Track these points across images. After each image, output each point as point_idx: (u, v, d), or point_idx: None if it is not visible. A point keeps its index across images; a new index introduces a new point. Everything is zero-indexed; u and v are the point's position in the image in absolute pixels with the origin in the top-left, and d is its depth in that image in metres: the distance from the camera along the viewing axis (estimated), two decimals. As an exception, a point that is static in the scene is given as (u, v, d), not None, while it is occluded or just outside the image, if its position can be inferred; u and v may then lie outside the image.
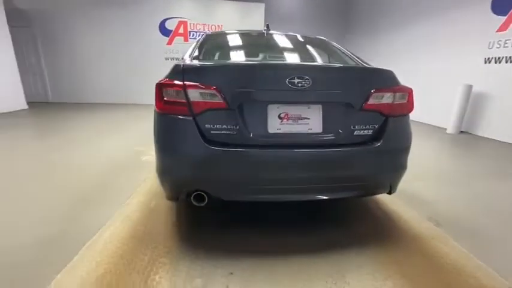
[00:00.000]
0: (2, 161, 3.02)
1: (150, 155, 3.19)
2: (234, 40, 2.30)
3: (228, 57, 2.18)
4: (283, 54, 2.25)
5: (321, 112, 1.47)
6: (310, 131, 1.47)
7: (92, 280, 1.29)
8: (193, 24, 7.92)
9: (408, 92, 1.59)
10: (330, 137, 1.49)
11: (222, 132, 1.40)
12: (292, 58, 2.24)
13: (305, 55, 2.27)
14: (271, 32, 2.36)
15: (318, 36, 2.48)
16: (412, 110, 1.63)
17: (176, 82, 1.38)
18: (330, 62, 2.15)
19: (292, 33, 2.47)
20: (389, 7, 7.34)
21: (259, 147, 1.42)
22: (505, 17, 4.51)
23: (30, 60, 7.54)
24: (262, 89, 1.41)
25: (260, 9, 8.14)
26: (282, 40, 2.38)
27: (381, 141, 1.50)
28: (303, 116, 1.47)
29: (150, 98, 1.81)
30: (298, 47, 2.31)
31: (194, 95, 1.37)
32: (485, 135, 4.87)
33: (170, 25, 7.84)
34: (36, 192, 2.26)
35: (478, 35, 4.93)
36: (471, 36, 5.06)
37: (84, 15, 7.49)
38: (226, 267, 1.41)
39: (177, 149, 1.41)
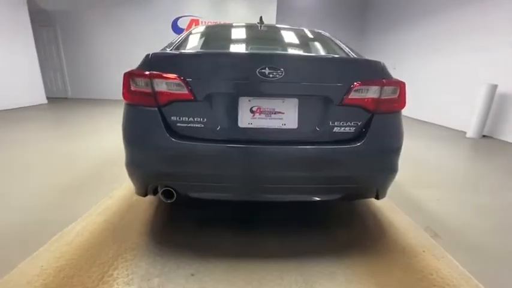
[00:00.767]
0: (7, 151, 3.16)
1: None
2: (223, 32, 2.23)
3: (211, 49, 2.11)
4: (272, 47, 2.14)
5: (297, 106, 1.35)
6: (284, 127, 1.36)
7: (49, 271, 1.27)
8: (206, 22, 7.96)
9: (399, 86, 1.43)
10: (305, 133, 1.36)
11: (189, 125, 1.33)
12: (280, 50, 2.12)
13: (296, 48, 2.14)
14: (264, 24, 2.26)
15: (314, 30, 2.35)
16: (404, 106, 1.46)
17: (142, 71, 1.33)
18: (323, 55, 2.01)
19: (287, 26, 2.35)
20: (408, 2, 6.93)
21: (228, 142, 1.33)
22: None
23: (52, 58, 7.96)
24: (231, 80, 1.32)
25: (272, 5, 8.01)
26: (274, 33, 2.27)
27: (364, 140, 1.35)
28: (276, 111, 1.36)
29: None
30: (290, 40, 2.18)
31: (160, 85, 1.31)
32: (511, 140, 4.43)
33: (182, 23, 7.93)
34: (30, 180, 2.32)
35: (504, 28, 4.48)
36: (497, 30, 4.62)
37: (101, 15, 7.79)
38: (189, 267, 1.34)
39: (141, 141, 1.36)
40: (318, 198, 1.47)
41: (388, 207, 2.02)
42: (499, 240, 1.70)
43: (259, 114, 1.35)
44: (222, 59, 1.37)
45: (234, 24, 2.33)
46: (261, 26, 2.21)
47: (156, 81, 1.31)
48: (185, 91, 1.29)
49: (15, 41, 6.19)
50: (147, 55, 1.37)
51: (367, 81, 1.36)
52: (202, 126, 1.33)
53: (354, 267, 1.38)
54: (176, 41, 1.89)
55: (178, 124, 1.33)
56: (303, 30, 2.27)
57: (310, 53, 2.00)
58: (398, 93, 1.43)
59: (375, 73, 1.40)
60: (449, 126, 5.50)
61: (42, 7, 7.57)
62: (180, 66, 1.33)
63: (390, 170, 1.47)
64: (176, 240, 1.56)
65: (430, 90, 6.17)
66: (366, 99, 1.36)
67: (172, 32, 7.99)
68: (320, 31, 2.31)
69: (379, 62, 1.43)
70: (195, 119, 1.33)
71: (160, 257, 1.41)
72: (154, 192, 1.46)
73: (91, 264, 1.33)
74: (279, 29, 2.35)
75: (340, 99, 1.34)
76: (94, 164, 2.77)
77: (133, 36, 7.94)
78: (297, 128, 1.36)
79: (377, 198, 1.52)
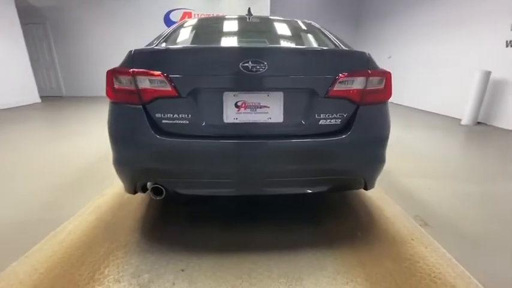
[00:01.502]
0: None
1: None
2: (210, 25, 2.19)
3: (198, 43, 2.08)
4: (260, 39, 2.11)
5: (282, 100, 1.34)
6: (269, 121, 1.35)
7: (41, 271, 1.28)
8: (198, 15, 7.83)
9: (385, 77, 1.42)
10: (291, 127, 1.36)
11: (174, 122, 1.32)
12: (268, 43, 2.09)
13: (284, 40, 2.11)
14: (253, 16, 2.22)
15: (304, 21, 2.31)
16: (390, 96, 1.46)
17: (125, 69, 1.31)
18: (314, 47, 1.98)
19: (276, 18, 2.32)
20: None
21: (214, 138, 1.33)
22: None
23: (44, 56, 7.84)
24: (215, 75, 1.30)
25: (265, 2, 7.86)
26: (262, 25, 2.24)
27: (350, 131, 1.35)
28: (262, 105, 1.35)
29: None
30: (279, 32, 2.15)
31: (143, 82, 1.29)
32: (505, 127, 4.44)
33: (175, 17, 7.80)
34: (21, 181, 2.32)
35: (498, 15, 4.43)
36: (490, 17, 4.57)
37: (92, 10, 7.64)
38: (179, 263, 1.36)
39: (127, 139, 1.35)
40: (306, 191, 1.48)
41: (379, 197, 2.04)
42: (487, 228, 1.73)
43: (245, 109, 1.34)
44: (204, 54, 1.35)
45: (222, 17, 2.29)
46: (249, 18, 2.18)
47: (139, 78, 1.29)
48: (169, 88, 1.28)
49: (3, 39, 6.08)
50: (130, 52, 1.35)
51: (352, 73, 1.34)
52: (188, 122, 1.32)
53: (343, 257, 1.40)
54: (164, 34, 1.86)
55: (164, 121, 1.32)
56: (292, 21, 2.23)
57: (299, 45, 1.98)
58: (384, 84, 1.42)
59: (360, 64, 1.38)
60: (445, 114, 5.50)
61: (31, 3, 7.41)
62: (163, 62, 1.31)
63: (377, 161, 1.47)
64: (167, 236, 1.58)
65: (425, 78, 6.14)
66: (351, 91, 1.36)
67: (165, 25, 7.86)
68: (310, 22, 2.28)
69: (364, 53, 1.41)
70: (180, 116, 1.32)
71: (151, 254, 1.42)
72: (144, 190, 1.46)
73: (82, 262, 1.34)
74: (268, 20, 2.31)
75: (325, 92, 1.33)
76: (86, 162, 2.76)
77: (126, 30, 7.81)
78: (283, 121, 1.35)
79: (365, 189, 1.53)
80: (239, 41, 1.95)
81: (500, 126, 4.54)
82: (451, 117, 5.33)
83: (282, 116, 1.35)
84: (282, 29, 2.15)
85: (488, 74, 4.42)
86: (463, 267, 1.33)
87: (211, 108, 1.34)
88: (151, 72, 1.28)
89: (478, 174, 2.62)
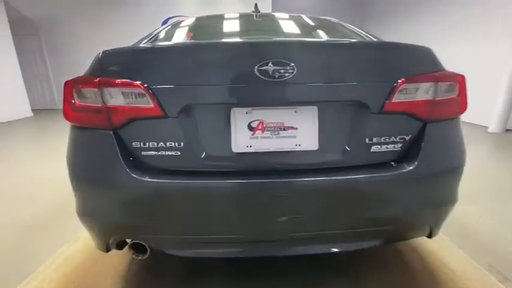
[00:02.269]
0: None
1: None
2: (211, 23, 1.79)
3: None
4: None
5: (316, 118, 0.93)
6: (298, 148, 0.93)
7: None
8: (198, 22, 7.55)
9: (458, 82, 1.00)
10: (330, 156, 0.94)
11: (159, 153, 0.91)
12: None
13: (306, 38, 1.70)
14: (261, 13, 1.83)
15: (321, 17, 1.92)
16: (465, 109, 1.04)
17: (90, 78, 0.91)
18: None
19: (288, 14, 1.92)
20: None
21: (218, 177, 0.90)
22: None
23: (37, 68, 7.53)
24: (218, 84, 0.89)
25: (267, 3, 7.58)
26: (273, 22, 1.84)
27: (417, 160, 0.93)
28: (287, 125, 0.93)
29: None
30: (295, 30, 1.75)
31: (114, 96, 0.89)
32: (540, 134, 4.00)
33: (173, 24, 7.52)
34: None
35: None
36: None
37: (88, 19, 7.35)
38: None
39: (92, 180, 0.93)
40: (350, 249, 1.04)
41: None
42: None
43: (262, 131, 0.93)
44: (204, 54, 0.93)
45: (224, 15, 1.90)
46: (256, 15, 1.78)
47: (109, 91, 0.88)
48: (150, 104, 0.87)
49: None
50: (97, 54, 0.95)
51: (415, 77, 0.93)
52: (179, 154, 0.90)
53: None
54: (154, 33, 1.47)
55: (143, 152, 0.91)
56: (308, 17, 1.83)
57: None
58: (458, 91, 1.00)
59: (425, 64, 0.97)
60: (468, 121, 5.06)
61: (23, 14, 7.14)
62: (142, 67, 0.90)
63: (451, 200, 1.04)
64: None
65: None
66: (416, 103, 0.94)
67: (163, 34, 7.58)
68: (328, 18, 1.89)
69: (428, 49, 1.00)
70: (168, 144, 0.90)
71: None
72: (119, 247, 1.04)
73: None
74: (279, 17, 1.91)
75: (380, 105, 0.91)
76: (62, 191, 2.33)
77: (122, 40, 7.48)
78: (318, 149, 0.93)
79: (429, 236, 1.10)
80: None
81: (532, 133, 4.09)
82: (475, 124, 4.88)
83: (316, 141, 0.93)
84: (300, 26, 1.73)
85: (517, 76, 4.00)
86: None
87: (213, 133, 0.93)
88: (126, 81, 0.87)
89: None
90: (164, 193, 0.89)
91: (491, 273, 1.30)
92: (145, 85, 0.86)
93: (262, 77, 0.85)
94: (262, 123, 0.93)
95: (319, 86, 0.90)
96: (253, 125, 0.92)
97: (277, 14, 1.94)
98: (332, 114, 0.93)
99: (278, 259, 1.43)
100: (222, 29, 1.69)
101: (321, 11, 8.53)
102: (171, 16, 7.57)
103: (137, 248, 1.02)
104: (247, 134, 0.92)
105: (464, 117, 1.04)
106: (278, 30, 1.69)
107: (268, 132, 0.93)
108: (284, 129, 0.93)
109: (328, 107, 0.93)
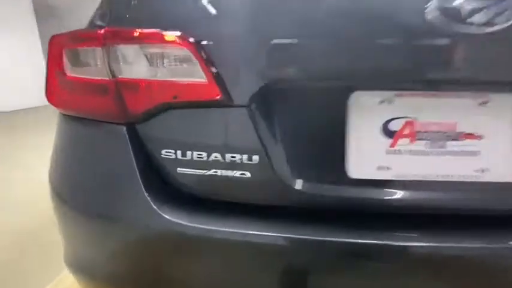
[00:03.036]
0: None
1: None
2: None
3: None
4: None
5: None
6: (483, 177, 0.46)
7: None
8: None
9: None
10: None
11: (209, 172, 0.47)
12: None
13: None
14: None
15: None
16: None
17: (92, 32, 0.50)
18: None
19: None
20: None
21: (322, 226, 0.46)
22: None
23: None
24: (333, 47, 0.43)
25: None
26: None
27: None
28: (462, 131, 0.46)
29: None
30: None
31: (129, 60, 0.46)
32: None
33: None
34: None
35: None
36: None
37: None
38: None
39: (89, 211, 0.52)
40: None
41: None
42: None
43: (411, 140, 0.47)
44: None
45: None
46: None
47: (121, 51, 0.46)
48: (202, 77, 0.43)
49: (17, 33, 5.76)
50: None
51: None
52: (250, 177, 0.46)
53: None
54: None
55: (181, 169, 0.48)
56: None
57: None
58: None
59: None
60: None
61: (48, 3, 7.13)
62: (184, 8, 0.47)
63: None
64: None
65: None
66: None
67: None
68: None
69: None
70: (229, 158, 0.46)
71: None
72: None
73: None
74: None
75: None
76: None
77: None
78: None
79: None
80: None
81: None
82: None
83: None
84: None
85: None
86: None
87: (314, 140, 0.48)
88: (154, 32, 0.44)
89: None
90: (218, 251, 0.47)
91: None
92: (191, 40, 0.43)
93: (440, 24, 0.38)
94: (413, 123, 0.46)
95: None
96: (394, 126, 0.46)
97: None
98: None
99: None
100: None
101: None
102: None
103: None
104: (382, 145, 0.47)
105: None
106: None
107: (424, 142, 0.47)
108: (456, 139, 0.47)
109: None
